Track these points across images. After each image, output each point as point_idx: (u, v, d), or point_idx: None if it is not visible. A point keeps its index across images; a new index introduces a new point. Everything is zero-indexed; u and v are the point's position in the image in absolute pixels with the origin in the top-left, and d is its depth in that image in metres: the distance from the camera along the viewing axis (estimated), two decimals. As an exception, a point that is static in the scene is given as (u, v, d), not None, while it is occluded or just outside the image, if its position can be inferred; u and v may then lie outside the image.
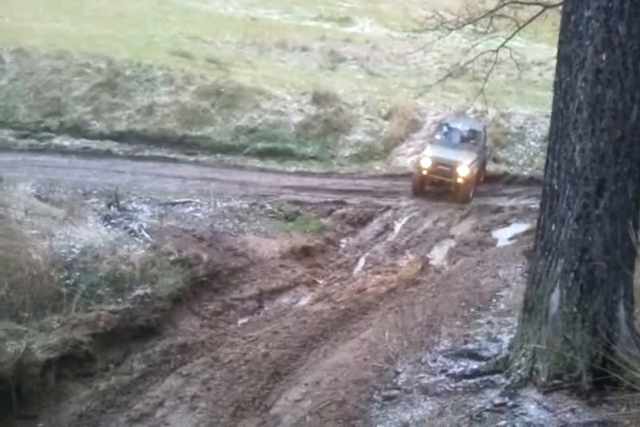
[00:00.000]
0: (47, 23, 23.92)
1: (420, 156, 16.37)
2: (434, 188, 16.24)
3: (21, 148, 17.32)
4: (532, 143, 18.93)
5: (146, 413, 7.30)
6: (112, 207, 12.18)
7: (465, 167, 15.65)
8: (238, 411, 7.25)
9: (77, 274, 9.11)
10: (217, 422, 7.08)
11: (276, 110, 19.51)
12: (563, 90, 5.44)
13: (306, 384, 7.45)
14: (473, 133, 16.88)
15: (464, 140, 16.69)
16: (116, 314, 8.77)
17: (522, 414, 5.15)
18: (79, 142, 17.93)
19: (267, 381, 7.78)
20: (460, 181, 15.73)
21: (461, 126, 17.15)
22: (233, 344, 8.85)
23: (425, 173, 15.90)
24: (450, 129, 17.00)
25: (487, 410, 5.30)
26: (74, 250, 9.51)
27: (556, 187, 5.47)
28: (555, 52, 5.83)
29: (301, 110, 19.67)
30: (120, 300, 9.07)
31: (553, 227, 5.49)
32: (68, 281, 8.92)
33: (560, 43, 5.51)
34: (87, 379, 7.95)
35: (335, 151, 18.54)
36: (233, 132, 18.75)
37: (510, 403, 5.31)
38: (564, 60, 5.43)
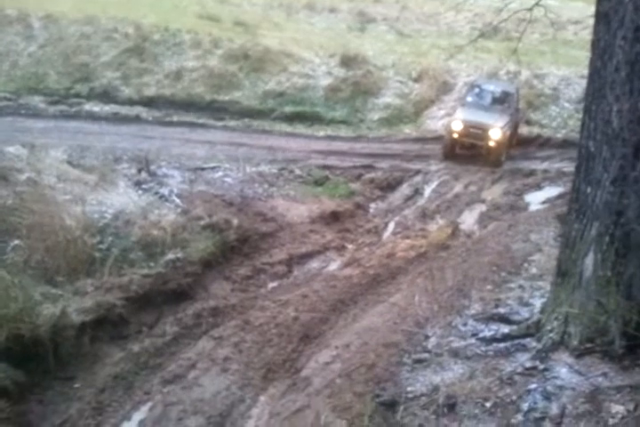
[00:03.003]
0: (74, -12, 23.80)
1: (451, 118, 16.08)
2: (465, 151, 15.97)
3: (52, 114, 17.44)
4: (567, 105, 18.48)
5: (179, 374, 7.45)
6: (142, 173, 12.24)
7: (497, 130, 15.37)
8: (269, 373, 7.37)
9: (110, 239, 9.24)
10: (248, 384, 7.20)
11: (304, 73, 19.31)
12: (600, 49, 5.27)
13: (336, 347, 7.51)
14: (505, 95, 16.49)
15: (496, 102, 16.31)
16: (149, 278, 8.90)
17: (553, 377, 5.14)
18: (109, 108, 18.01)
19: (297, 344, 7.86)
20: (491, 144, 15.45)
21: (493, 88, 16.78)
22: (263, 308, 8.94)
23: (456, 136, 15.61)
24: (481, 91, 16.64)
25: (518, 373, 5.30)
26: (106, 215, 9.62)
27: (592, 149, 5.34)
28: (591, 10, 5.63)
29: (330, 73, 19.44)
30: (152, 264, 9.19)
31: (588, 189, 5.38)
32: (101, 246, 9.06)
33: (598, 0, 5.31)
34: (121, 341, 8.12)
35: (364, 115, 18.34)
36: (261, 97, 18.64)
37: (541, 366, 5.29)
38: (603, 18, 5.25)
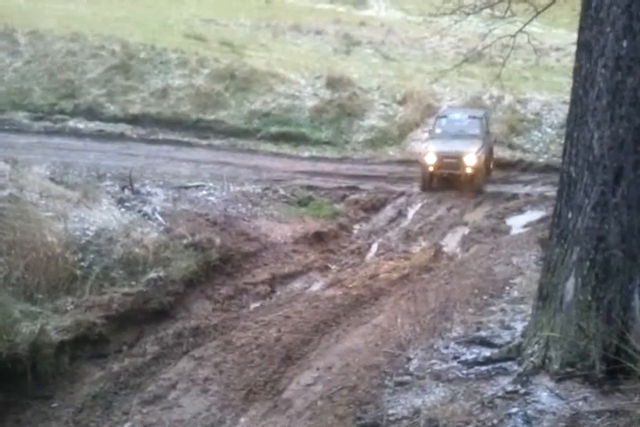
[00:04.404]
0: (61, 4, 23.94)
1: (423, 152, 15.80)
2: (444, 183, 15.68)
3: (36, 130, 17.46)
4: (549, 130, 18.71)
5: (159, 395, 7.35)
6: (126, 190, 12.24)
7: (472, 156, 15.19)
8: (250, 394, 7.28)
9: (91, 256, 9.18)
10: (229, 405, 7.12)
11: (289, 94, 19.47)
12: (582, 76, 5.36)
13: (317, 369, 7.47)
14: (473, 121, 16.31)
15: (465, 129, 16.13)
16: (130, 297, 8.83)
17: (534, 401, 5.14)
18: (93, 125, 18.06)
19: (278, 365, 7.80)
20: (469, 171, 15.25)
21: (460, 116, 16.64)
22: (245, 328, 8.88)
23: (432, 169, 15.36)
24: (448, 121, 16.46)
25: (499, 397, 5.29)
26: (88, 232, 9.57)
27: (574, 174, 5.41)
28: (573, 37, 5.75)
29: (315, 94, 19.61)
30: (133, 282, 9.14)
31: (569, 215, 5.44)
32: (82, 263, 8.99)
33: (580, 29, 5.42)
34: (101, 360, 8.03)
35: (349, 136, 18.49)
36: (247, 116, 18.76)
37: (522, 390, 5.29)
38: (584, 47, 5.35)
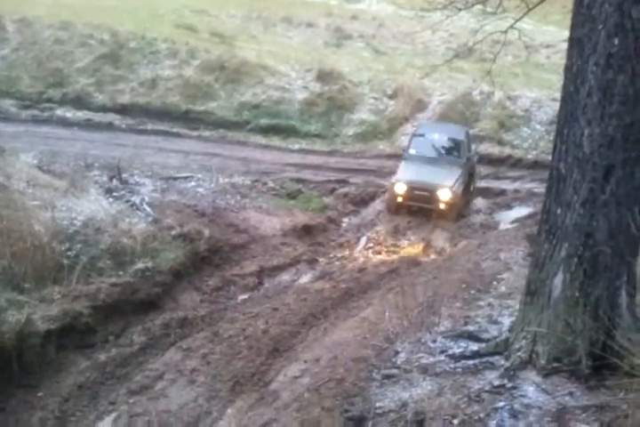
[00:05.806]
0: (51, -8, 23.62)
1: (394, 179, 13.83)
2: (413, 215, 13.83)
3: (24, 118, 17.31)
4: (538, 126, 18.73)
5: (145, 385, 7.36)
6: (114, 180, 12.18)
7: (446, 191, 13.31)
8: (237, 386, 7.31)
9: (79, 246, 9.14)
10: (216, 396, 7.14)
11: (280, 86, 19.40)
12: (573, 74, 5.38)
13: (305, 361, 7.48)
14: (453, 143, 14.43)
15: (443, 152, 14.34)
16: (117, 287, 8.83)
17: (520, 395, 5.17)
18: (81, 114, 17.92)
19: (266, 357, 7.82)
20: (442, 206, 13.40)
21: (438, 136, 14.60)
22: (233, 320, 8.90)
23: (400, 200, 13.57)
24: (426, 141, 14.46)
25: (486, 391, 5.32)
26: (75, 222, 9.52)
27: (563, 171, 5.44)
28: (563, 34, 5.77)
29: (306, 87, 19.56)
30: (121, 273, 9.14)
31: (558, 211, 5.46)
32: (69, 253, 8.96)
33: (572, 26, 5.42)
34: (87, 350, 8.03)
35: (339, 129, 18.46)
36: (236, 108, 18.68)
37: (509, 385, 5.32)
38: (576, 44, 5.36)
